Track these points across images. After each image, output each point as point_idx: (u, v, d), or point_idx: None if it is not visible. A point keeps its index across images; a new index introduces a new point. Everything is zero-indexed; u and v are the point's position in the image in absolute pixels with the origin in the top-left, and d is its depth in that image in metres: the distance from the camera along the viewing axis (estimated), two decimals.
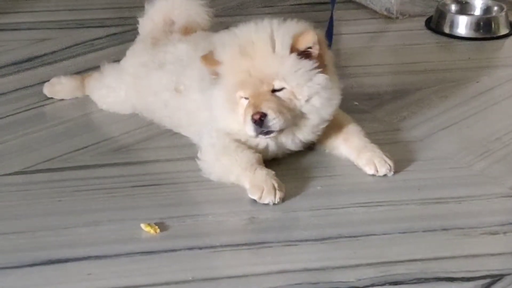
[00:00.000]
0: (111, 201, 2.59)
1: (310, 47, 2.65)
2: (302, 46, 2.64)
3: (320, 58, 2.68)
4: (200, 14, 3.12)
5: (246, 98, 2.65)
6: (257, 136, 2.64)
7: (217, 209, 2.56)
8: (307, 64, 2.65)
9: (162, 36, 3.07)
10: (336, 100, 2.74)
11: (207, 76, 2.73)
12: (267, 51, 2.64)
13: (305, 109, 2.67)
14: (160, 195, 2.62)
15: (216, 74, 2.70)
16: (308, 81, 2.65)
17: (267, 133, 2.63)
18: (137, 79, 3.02)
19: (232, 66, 2.66)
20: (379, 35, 3.84)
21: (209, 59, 2.70)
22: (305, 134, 2.73)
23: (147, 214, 2.51)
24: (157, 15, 3.14)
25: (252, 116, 2.60)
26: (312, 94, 2.66)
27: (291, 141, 2.73)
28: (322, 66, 2.68)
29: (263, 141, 2.70)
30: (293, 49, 2.64)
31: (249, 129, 2.62)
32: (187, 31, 3.07)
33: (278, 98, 2.64)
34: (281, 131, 2.65)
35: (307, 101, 2.67)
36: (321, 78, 2.67)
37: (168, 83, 2.92)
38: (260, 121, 2.60)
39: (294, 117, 2.66)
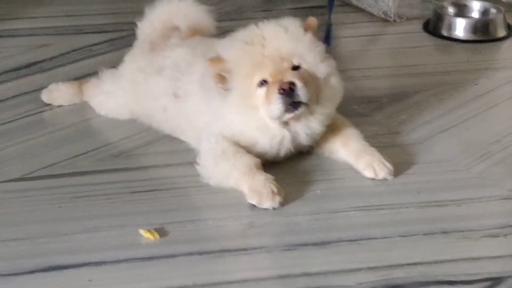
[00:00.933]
0: (111, 207, 2.59)
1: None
2: (313, 26, 2.69)
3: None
4: (203, 19, 3.12)
5: (264, 83, 2.64)
6: (284, 112, 2.61)
7: (216, 214, 2.56)
8: (321, 44, 2.69)
9: (160, 41, 3.07)
10: (342, 90, 2.76)
11: (210, 83, 2.72)
12: (280, 32, 2.67)
13: (324, 90, 2.68)
14: (159, 200, 2.62)
15: (223, 82, 2.68)
16: (324, 60, 2.69)
17: (296, 106, 2.61)
18: (135, 84, 3.02)
19: (242, 56, 2.66)
20: (377, 38, 3.84)
21: (215, 60, 2.69)
22: (317, 124, 2.72)
23: (147, 220, 2.51)
24: (157, 19, 3.14)
25: (280, 87, 2.58)
26: (330, 73, 2.69)
27: (305, 133, 2.71)
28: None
29: (277, 131, 2.67)
30: (306, 30, 2.69)
31: (275, 107, 2.60)
32: (191, 35, 3.06)
33: (300, 74, 2.64)
34: (307, 107, 2.63)
35: (325, 79, 2.68)
36: (332, 61, 2.72)
37: (167, 88, 2.92)
38: (290, 90, 2.58)
39: (313, 98, 2.66)
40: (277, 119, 2.65)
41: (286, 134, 2.70)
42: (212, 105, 2.74)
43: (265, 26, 2.71)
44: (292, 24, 2.70)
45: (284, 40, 2.66)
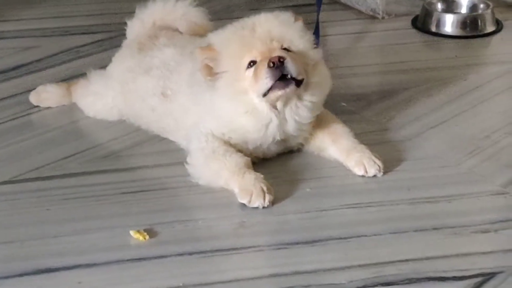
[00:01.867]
0: (100, 208, 2.58)
1: None
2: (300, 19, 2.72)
3: None
4: (200, 19, 3.13)
5: (253, 64, 2.63)
6: (273, 88, 2.60)
7: (206, 214, 2.55)
8: (310, 33, 2.72)
9: (148, 41, 3.06)
10: (330, 80, 2.77)
11: (198, 79, 2.72)
12: (270, 19, 2.69)
13: (312, 76, 2.68)
14: (149, 201, 2.61)
15: (211, 74, 2.67)
16: (313, 48, 2.71)
17: (286, 83, 2.60)
18: (123, 85, 3.01)
19: (231, 39, 2.67)
20: (366, 35, 3.84)
21: (204, 47, 2.69)
22: (305, 112, 2.71)
23: (137, 221, 2.50)
24: (148, 18, 3.14)
25: (270, 60, 2.58)
26: (318, 60, 2.71)
27: (293, 120, 2.69)
28: None
29: (265, 114, 2.66)
30: (295, 20, 2.72)
31: (264, 81, 2.59)
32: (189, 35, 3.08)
33: (290, 54, 2.64)
34: (298, 84, 2.62)
35: (314, 66, 2.69)
36: (319, 50, 2.74)
37: (155, 88, 2.91)
38: (279, 62, 2.57)
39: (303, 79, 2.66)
40: (265, 97, 2.63)
41: (273, 117, 2.68)
42: (201, 101, 2.73)
43: (256, 16, 2.73)
44: (283, 13, 2.73)
45: (275, 24, 2.68)
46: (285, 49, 2.66)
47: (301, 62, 2.66)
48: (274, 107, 2.67)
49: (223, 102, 2.68)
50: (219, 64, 2.67)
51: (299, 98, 2.68)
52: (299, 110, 2.70)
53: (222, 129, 2.71)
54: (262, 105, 2.66)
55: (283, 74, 2.59)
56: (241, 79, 2.66)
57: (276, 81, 2.60)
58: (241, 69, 2.66)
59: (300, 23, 2.73)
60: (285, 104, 2.67)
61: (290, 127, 2.72)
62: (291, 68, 2.60)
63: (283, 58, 2.59)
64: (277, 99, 2.65)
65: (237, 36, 2.68)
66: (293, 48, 2.67)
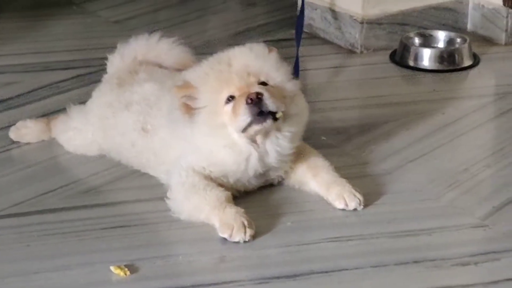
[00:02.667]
0: (81, 244, 2.57)
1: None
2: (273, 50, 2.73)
3: None
4: (184, 56, 3.15)
5: (231, 99, 2.65)
6: (252, 123, 2.61)
7: (187, 249, 2.54)
8: (286, 65, 2.73)
9: (128, 76, 3.07)
10: (308, 110, 2.78)
11: (178, 115, 2.72)
12: (245, 52, 2.70)
13: (290, 108, 2.69)
14: (129, 236, 2.60)
15: (189, 112, 2.68)
16: (290, 79, 2.72)
17: (264, 117, 2.61)
18: (103, 120, 3.01)
19: (208, 74, 2.68)
20: (344, 69, 3.87)
21: (181, 86, 2.70)
22: (286, 142, 2.71)
23: (117, 257, 2.49)
24: (129, 53, 3.15)
25: (247, 97, 2.59)
26: (296, 91, 2.72)
27: (274, 150, 2.70)
28: None
29: (244, 148, 2.67)
30: (270, 51, 2.73)
31: (243, 118, 2.60)
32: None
33: (267, 88, 2.66)
34: (274, 120, 2.63)
35: (291, 98, 2.70)
36: (296, 82, 2.75)
37: (135, 123, 2.91)
38: (257, 99, 2.59)
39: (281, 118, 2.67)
40: (245, 133, 2.64)
41: (253, 151, 2.69)
42: (181, 136, 2.74)
43: (231, 49, 2.74)
44: (256, 45, 2.75)
45: (250, 58, 2.69)
46: (262, 83, 2.67)
47: (279, 95, 2.67)
48: (254, 140, 2.69)
49: (203, 137, 2.69)
50: (197, 100, 2.68)
51: (278, 129, 2.70)
52: (279, 141, 2.71)
53: (202, 163, 2.72)
54: (242, 139, 2.67)
55: (261, 110, 2.61)
56: (219, 114, 2.67)
57: (254, 117, 2.61)
58: (219, 104, 2.67)
59: (275, 55, 2.75)
60: (265, 136, 2.69)
61: (271, 159, 2.73)
62: (269, 103, 2.61)
63: (261, 95, 2.60)
64: (256, 133, 2.66)
65: (214, 71, 2.69)
66: (270, 81, 2.69)
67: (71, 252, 2.52)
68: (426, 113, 3.40)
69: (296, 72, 3.31)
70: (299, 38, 3.65)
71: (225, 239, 2.55)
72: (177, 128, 2.76)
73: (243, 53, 2.72)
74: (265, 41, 4.02)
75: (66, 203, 2.79)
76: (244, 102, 2.60)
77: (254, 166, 2.71)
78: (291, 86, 2.74)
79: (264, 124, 2.63)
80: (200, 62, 2.79)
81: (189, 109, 2.69)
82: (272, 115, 2.63)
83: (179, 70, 3.06)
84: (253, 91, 2.60)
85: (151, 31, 3.24)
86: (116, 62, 3.19)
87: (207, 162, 2.71)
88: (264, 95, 2.60)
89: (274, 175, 2.82)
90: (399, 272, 2.42)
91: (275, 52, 2.76)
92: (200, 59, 2.86)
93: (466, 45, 3.92)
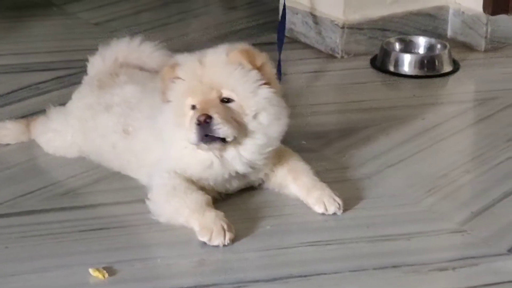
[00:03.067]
0: (59, 246, 2.55)
1: (255, 62, 2.68)
2: (250, 59, 2.67)
3: (265, 74, 2.70)
4: (164, 55, 3.14)
5: (194, 107, 2.66)
6: (199, 142, 2.62)
7: (166, 252, 2.54)
8: (254, 75, 2.67)
9: (108, 78, 3.06)
10: (284, 119, 2.73)
11: (158, 107, 2.74)
12: (218, 60, 2.67)
13: (252, 126, 2.67)
14: (108, 239, 2.59)
15: (166, 96, 2.70)
16: (255, 95, 2.67)
17: (211, 140, 2.61)
18: (83, 122, 3.00)
19: (187, 72, 2.68)
20: (325, 74, 3.87)
21: (170, 69, 2.71)
22: (251, 153, 2.71)
23: (96, 259, 2.48)
24: (110, 55, 3.15)
25: (197, 117, 2.59)
26: (259, 109, 2.67)
27: (238, 160, 2.70)
28: (268, 82, 2.70)
29: (205, 156, 2.67)
30: (242, 62, 2.68)
31: (192, 135, 2.61)
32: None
33: (228, 108, 2.64)
34: (224, 142, 2.63)
35: (254, 116, 2.67)
36: (267, 91, 2.69)
37: (116, 125, 2.90)
38: (205, 123, 2.59)
39: (240, 132, 2.66)
40: (196, 146, 2.66)
41: (214, 158, 2.69)
42: (162, 137, 2.73)
43: (215, 50, 2.73)
44: (231, 52, 2.70)
45: (219, 69, 2.67)
46: (224, 99, 2.66)
47: (238, 114, 2.65)
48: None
49: (168, 128, 2.70)
50: (171, 92, 2.69)
51: (239, 143, 2.68)
52: (241, 152, 2.70)
53: (174, 167, 2.71)
54: (201, 146, 2.67)
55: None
56: (184, 115, 2.68)
57: (202, 137, 2.61)
58: (185, 106, 2.68)
59: (242, 68, 2.68)
60: (222, 149, 2.68)
61: (238, 168, 2.73)
62: (217, 129, 2.60)
63: (209, 119, 2.59)
64: (209, 149, 2.66)
65: (191, 71, 2.68)
66: (233, 97, 2.67)
67: (49, 254, 2.51)
68: (406, 118, 3.41)
69: (278, 76, 3.31)
70: (281, 42, 3.65)
71: (204, 242, 2.55)
72: (158, 129, 2.76)
73: (214, 61, 2.69)
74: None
75: (44, 205, 2.77)
76: (195, 121, 2.60)
77: (219, 172, 2.71)
78: (254, 104, 2.67)
79: (211, 146, 2.64)
80: (193, 53, 2.76)
81: (165, 96, 2.71)
82: (222, 139, 2.63)
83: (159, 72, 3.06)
84: (206, 112, 2.59)
85: (132, 34, 3.24)
86: (97, 64, 3.18)
87: (177, 167, 2.71)
88: (213, 119, 2.59)
89: (255, 177, 2.81)
90: (378, 277, 2.43)
91: (244, 65, 2.68)
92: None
93: (446, 51, 3.93)
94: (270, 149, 2.75)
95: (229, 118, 2.63)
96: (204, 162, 2.70)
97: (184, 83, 2.68)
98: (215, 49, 2.75)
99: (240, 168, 2.72)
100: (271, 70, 2.75)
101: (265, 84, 2.70)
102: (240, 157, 2.70)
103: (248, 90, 2.67)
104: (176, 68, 2.71)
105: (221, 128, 2.60)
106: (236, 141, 2.67)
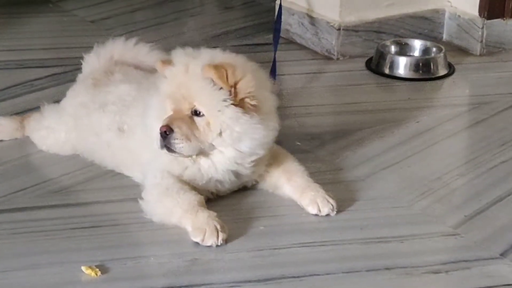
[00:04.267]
0: (51, 243, 2.55)
1: (226, 80, 2.62)
2: (220, 77, 2.61)
3: (239, 92, 2.65)
4: (154, 56, 3.14)
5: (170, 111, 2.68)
6: (162, 149, 2.64)
7: (159, 251, 2.53)
8: (221, 94, 2.63)
9: (103, 76, 3.06)
10: (260, 134, 2.68)
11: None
12: (197, 72, 2.66)
13: (216, 142, 2.67)
14: (100, 237, 2.58)
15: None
16: (222, 113, 2.64)
17: (169, 150, 2.64)
18: (77, 119, 3.00)
19: (171, 75, 2.68)
20: (320, 75, 3.87)
21: (161, 65, 2.72)
22: (224, 164, 2.71)
23: (88, 257, 2.47)
24: (105, 54, 3.14)
25: (160, 127, 2.62)
26: (224, 128, 2.65)
27: (214, 169, 2.71)
28: (242, 99, 2.65)
29: (181, 158, 2.68)
30: (213, 78, 2.62)
31: (155, 140, 2.64)
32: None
33: (194, 123, 2.65)
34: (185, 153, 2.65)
35: (219, 134, 2.67)
36: (233, 111, 2.64)
37: (111, 123, 2.90)
38: (165, 134, 2.61)
39: (204, 148, 2.67)
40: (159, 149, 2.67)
41: (188, 163, 2.70)
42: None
43: (196, 55, 2.71)
44: (208, 61, 2.66)
45: (194, 82, 2.65)
46: (196, 111, 2.65)
47: (204, 127, 2.64)
48: None
49: (150, 121, 2.71)
50: (159, 84, 2.71)
51: (210, 150, 2.69)
52: (217, 163, 2.71)
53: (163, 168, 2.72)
54: None
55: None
56: (164, 111, 2.69)
57: (164, 146, 2.63)
58: (166, 106, 2.69)
59: (211, 85, 2.63)
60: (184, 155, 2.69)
61: (217, 176, 2.73)
62: (174, 143, 2.62)
63: (170, 132, 2.61)
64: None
65: (175, 75, 2.68)
66: (203, 111, 2.65)
67: (40, 252, 2.50)
68: (400, 121, 3.41)
69: (273, 77, 3.31)
70: (276, 42, 3.65)
71: (197, 242, 2.54)
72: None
73: (194, 71, 2.66)
74: (242, 45, 4.05)
75: (36, 202, 2.77)
76: (159, 129, 2.63)
77: (198, 176, 2.72)
78: (223, 119, 2.64)
79: (172, 154, 2.66)
80: (187, 52, 2.75)
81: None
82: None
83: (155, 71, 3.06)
84: (167, 124, 2.61)
85: (127, 32, 3.24)
86: (92, 62, 3.18)
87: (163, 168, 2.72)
88: (173, 134, 2.61)
89: (247, 178, 2.81)
90: (371, 278, 2.43)
91: (214, 83, 2.63)
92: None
93: (441, 54, 3.93)
94: (253, 158, 2.73)
95: (191, 134, 2.64)
96: (180, 163, 2.71)
97: (167, 86, 2.69)
98: (206, 54, 2.73)
99: (219, 176, 2.73)
100: (249, 86, 2.66)
101: (238, 102, 2.64)
102: (216, 167, 2.71)
103: (215, 108, 2.65)
104: (166, 66, 2.71)
105: (178, 144, 2.63)
106: (205, 152, 2.68)
